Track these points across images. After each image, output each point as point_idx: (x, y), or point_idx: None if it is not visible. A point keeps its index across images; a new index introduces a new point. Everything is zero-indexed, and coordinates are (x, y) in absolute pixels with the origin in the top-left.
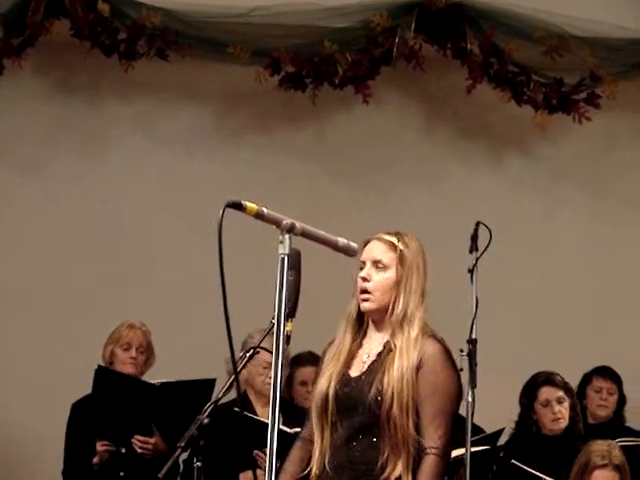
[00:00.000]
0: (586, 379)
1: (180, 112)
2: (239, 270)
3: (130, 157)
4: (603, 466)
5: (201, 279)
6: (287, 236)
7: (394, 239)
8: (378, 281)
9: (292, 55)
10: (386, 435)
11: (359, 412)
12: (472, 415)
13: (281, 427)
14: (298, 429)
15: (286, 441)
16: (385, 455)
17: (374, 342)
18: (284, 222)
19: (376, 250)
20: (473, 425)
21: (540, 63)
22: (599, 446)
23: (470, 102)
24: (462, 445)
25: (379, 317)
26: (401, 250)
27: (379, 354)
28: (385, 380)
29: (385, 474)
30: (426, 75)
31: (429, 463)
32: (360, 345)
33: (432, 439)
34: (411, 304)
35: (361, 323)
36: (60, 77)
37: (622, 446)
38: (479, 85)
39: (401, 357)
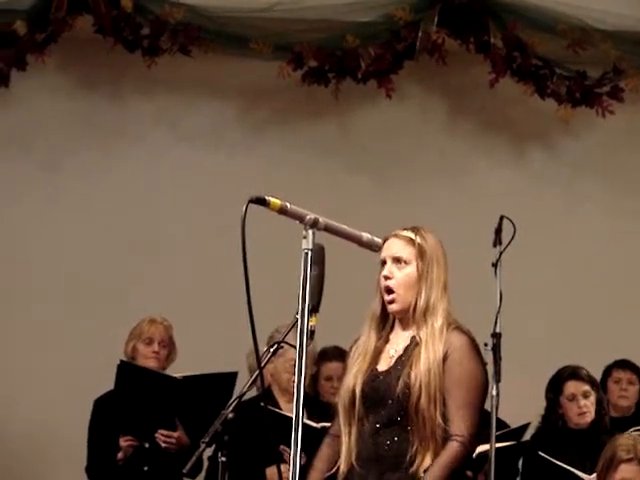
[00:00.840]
0: (606, 372)
1: (202, 108)
2: (262, 265)
3: (152, 153)
4: (629, 460)
5: (225, 274)
6: (310, 231)
7: (411, 234)
8: (401, 277)
9: (315, 50)
10: (414, 427)
11: (387, 406)
12: (497, 409)
13: (306, 421)
14: (325, 423)
15: (312, 435)
16: (414, 447)
17: (401, 337)
18: (307, 217)
19: (395, 247)
20: (498, 420)
21: (563, 56)
22: (625, 440)
23: (493, 96)
24: (487, 441)
25: (404, 315)
26: (419, 244)
27: (406, 348)
28: (412, 373)
29: (414, 467)
30: (449, 69)
31: (450, 448)
32: (387, 340)
33: (458, 428)
34: (433, 296)
35: (386, 320)
36: (83, 73)
37: None
38: (502, 79)
39: (427, 349)
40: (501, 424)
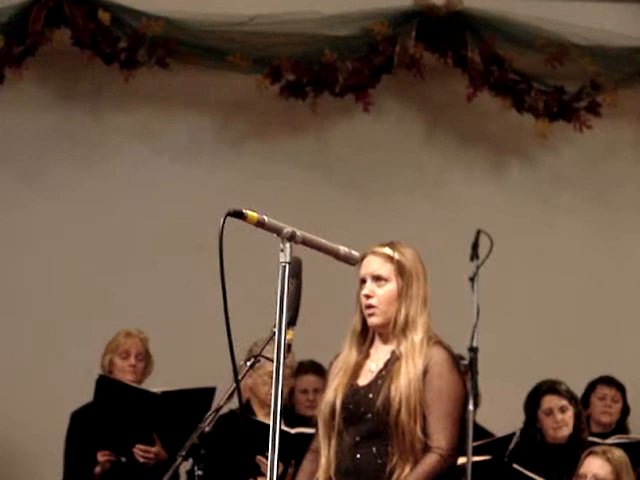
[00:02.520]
0: (590, 387)
1: (180, 121)
2: (240, 278)
3: (130, 165)
4: (596, 454)
5: (202, 287)
6: (288, 244)
7: (389, 251)
8: (382, 295)
9: (293, 63)
10: (394, 441)
11: (367, 419)
12: (473, 423)
13: (283, 427)
14: (300, 429)
15: (288, 441)
16: (394, 461)
17: (381, 352)
18: (285, 230)
19: (374, 265)
20: (484, 431)
21: (541, 71)
22: (599, 447)
23: (471, 110)
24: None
25: (385, 330)
26: (398, 260)
27: (386, 363)
28: (393, 387)
29: (393, 479)
30: (427, 83)
31: (429, 459)
32: (367, 355)
33: (437, 440)
34: (412, 310)
35: (366, 336)
36: (61, 86)
37: (618, 443)
38: (480, 93)
39: (407, 363)
40: (486, 435)
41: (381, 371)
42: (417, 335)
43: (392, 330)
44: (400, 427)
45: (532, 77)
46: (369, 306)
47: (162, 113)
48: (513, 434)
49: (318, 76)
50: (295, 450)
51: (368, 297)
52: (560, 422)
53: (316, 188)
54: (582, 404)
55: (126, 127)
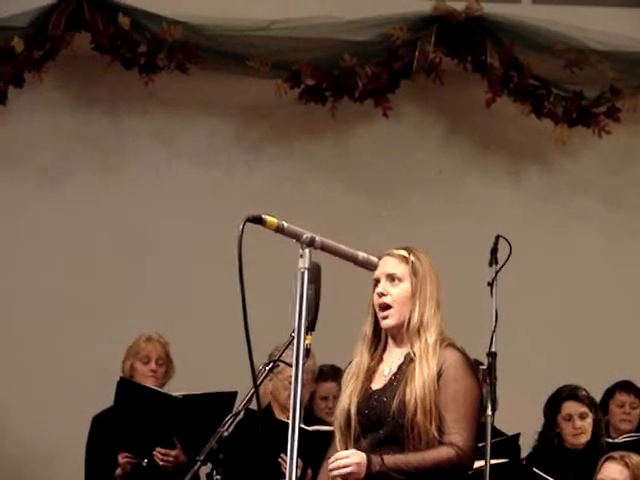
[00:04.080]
0: (609, 394)
1: (199, 125)
2: (259, 283)
3: (149, 170)
4: (614, 459)
5: (221, 292)
6: (307, 250)
7: (404, 252)
8: (396, 294)
9: (312, 68)
10: (411, 443)
11: (383, 424)
12: (492, 427)
13: (301, 425)
14: (318, 427)
15: (306, 440)
16: None
17: (395, 356)
18: (304, 236)
19: (388, 265)
20: (503, 435)
21: (560, 76)
22: (617, 452)
23: (490, 115)
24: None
25: (398, 332)
26: (412, 262)
27: (400, 366)
28: (408, 390)
29: None
30: (446, 88)
31: (443, 450)
32: (381, 360)
33: (455, 439)
34: (427, 312)
35: (378, 340)
36: (80, 90)
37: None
38: (499, 98)
39: (421, 365)
40: (500, 436)
41: (395, 374)
42: (431, 337)
43: (406, 331)
44: (416, 428)
45: (551, 82)
46: (383, 307)
47: (181, 118)
48: (518, 434)
49: (337, 81)
50: (313, 448)
51: (382, 295)
52: (579, 429)
53: (335, 193)
54: (601, 410)
55: (145, 131)
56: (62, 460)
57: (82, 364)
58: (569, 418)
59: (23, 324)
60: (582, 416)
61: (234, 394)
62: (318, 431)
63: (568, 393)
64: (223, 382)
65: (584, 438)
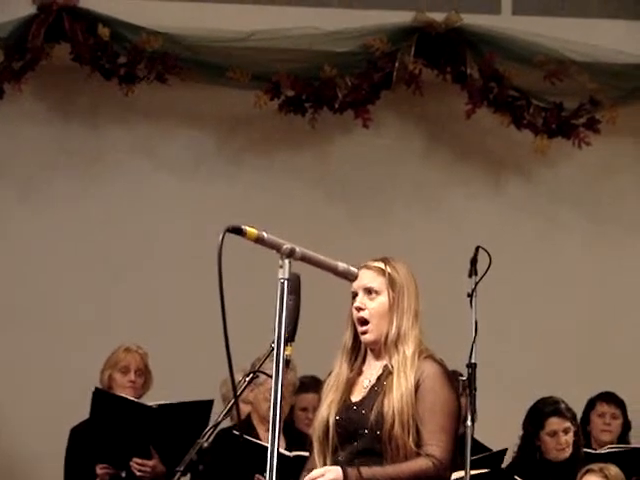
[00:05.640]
0: (590, 404)
1: (180, 136)
2: (239, 294)
3: (129, 181)
4: (593, 472)
5: (201, 302)
6: (287, 261)
7: (381, 264)
8: (373, 308)
9: (292, 79)
10: (388, 456)
11: (361, 435)
12: (472, 438)
13: (281, 451)
14: (298, 452)
15: (285, 464)
16: None
17: (374, 368)
18: (284, 247)
19: (365, 278)
20: (481, 445)
21: (540, 88)
22: (596, 465)
23: (470, 126)
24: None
25: (377, 346)
26: (389, 273)
27: (379, 377)
28: (386, 402)
29: None
30: (426, 99)
31: (420, 461)
32: (360, 372)
33: (431, 450)
34: (404, 324)
35: (358, 352)
36: (60, 101)
37: (613, 452)
38: (479, 109)
39: (399, 377)
40: (484, 450)
41: (374, 387)
42: (409, 349)
43: (384, 344)
44: (394, 441)
45: (531, 94)
46: (362, 322)
47: (161, 128)
48: (505, 450)
49: (317, 92)
50: (293, 473)
51: (359, 309)
52: (564, 444)
53: (315, 203)
54: (582, 421)
55: (125, 142)
56: (41, 473)
57: (62, 375)
58: (554, 434)
59: (3, 335)
60: (566, 431)
61: (210, 402)
62: (299, 456)
63: (552, 409)
64: (203, 393)
65: (568, 452)
